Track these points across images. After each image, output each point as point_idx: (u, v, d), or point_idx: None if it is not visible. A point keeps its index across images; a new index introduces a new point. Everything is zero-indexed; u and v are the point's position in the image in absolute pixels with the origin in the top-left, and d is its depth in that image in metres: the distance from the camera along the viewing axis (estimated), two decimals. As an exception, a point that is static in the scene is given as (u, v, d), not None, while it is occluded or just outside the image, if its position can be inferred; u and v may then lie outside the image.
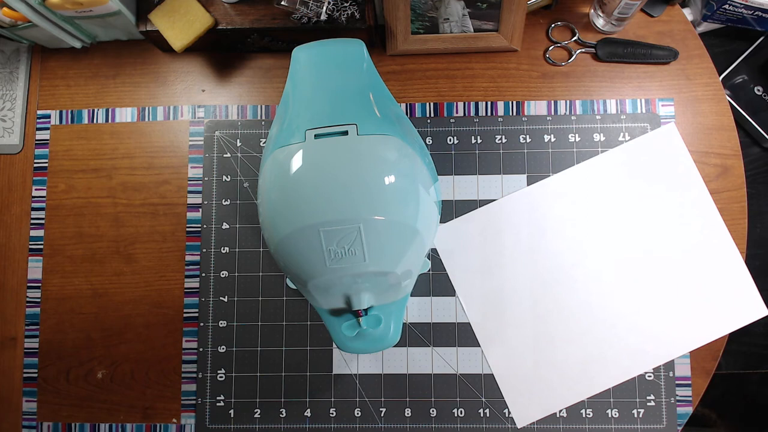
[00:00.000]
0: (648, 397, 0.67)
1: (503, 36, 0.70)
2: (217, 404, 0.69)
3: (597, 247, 0.68)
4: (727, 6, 0.73)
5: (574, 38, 0.72)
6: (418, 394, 0.68)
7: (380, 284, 0.56)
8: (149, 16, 0.67)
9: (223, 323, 0.70)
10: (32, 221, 0.72)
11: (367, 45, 0.65)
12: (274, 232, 0.55)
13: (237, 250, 0.71)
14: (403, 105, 0.72)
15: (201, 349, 0.70)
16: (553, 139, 0.71)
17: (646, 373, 0.67)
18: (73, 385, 0.70)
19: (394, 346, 0.68)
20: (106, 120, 0.74)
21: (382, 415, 0.68)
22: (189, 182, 0.72)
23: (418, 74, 0.72)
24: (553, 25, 0.72)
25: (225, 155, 0.72)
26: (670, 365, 0.67)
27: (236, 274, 0.70)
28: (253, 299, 0.70)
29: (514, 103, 0.72)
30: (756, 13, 0.73)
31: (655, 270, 0.68)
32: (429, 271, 0.69)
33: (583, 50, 0.72)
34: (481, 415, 0.67)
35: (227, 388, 0.69)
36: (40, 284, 0.72)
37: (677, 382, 0.67)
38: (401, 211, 0.54)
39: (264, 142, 0.72)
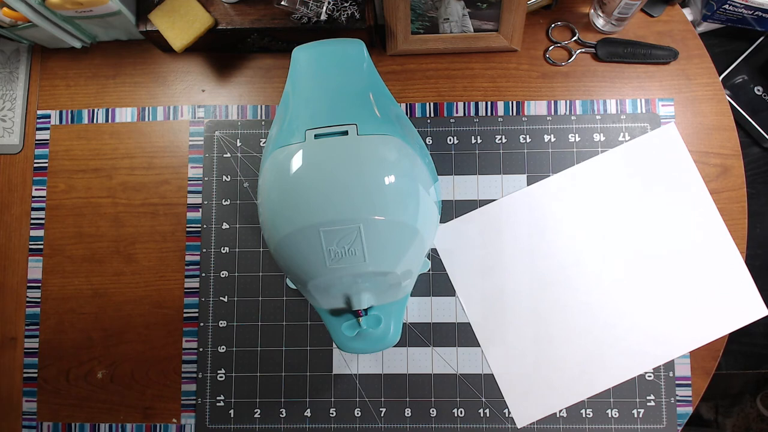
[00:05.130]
0: (648, 397, 0.67)
1: (503, 36, 0.70)
2: (217, 404, 0.69)
3: (597, 247, 0.69)
4: (727, 6, 0.73)
5: (574, 38, 0.72)
6: (418, 394, 0.68)
7: (380, 284, 0.56)
8: (149, 16, 0.67)
9: (223, 323, 0.70)
10: (32, 221, 0.72)
11: (367, 45, 0.65)
12: (274, 232, 0.55)
13: (237, 250, 0.71)
14: (403, 105, 0.72)
15: (201, 349, 0.70)
16: (553, 139, 0.71)
17: (646, 373, 0.67)
18: (73, 385, 0.70)
19: (394, 346, 0.68)
20: (106, 120, 0.74)
21: (382, 415, 0.68)
22: (189, 182, 0.72)
23: (418, 74, 0.72)
24: (553, 25, 0.72)
25: (225, 155, 0.72)
26: (670, 365, 0.67)
27: (236, 274, 0.70)
28: (253, 299, 0.70)
29: (514, 103, 0.72)
30: (756, 13, 0.73)
31: (655, 270, 0.68)
32: (429, 271, 0.69)
33: (583, 50, 0.72)
34: (481, 415, 0.67)
35: (227, 388, 0.69)
36: (40, 284, 0.72)
37: (677, 382, 0.67)
38: (401, 211, 0.54)
39: (264, 142, 0.72)
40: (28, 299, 0.72)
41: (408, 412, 0.68)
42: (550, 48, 0.72)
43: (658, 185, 0.69)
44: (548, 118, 0.71)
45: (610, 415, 0.67)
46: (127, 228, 0.72)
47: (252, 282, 0.70)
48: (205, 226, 0.71)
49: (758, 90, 0.81)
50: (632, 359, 0.67)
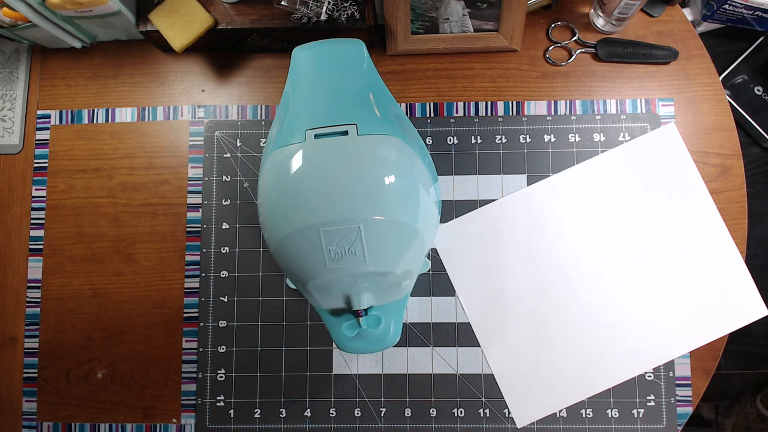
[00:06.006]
0: (648, 397, 0.67)
1: (503, 36, 0.70)
2: (217, 404, 0.69)
3: (597, 247, 0.69)
4: (727, 6, 0.73)
5: (574, 38, 0.72)
6: (418, 394, 0.68)
7: (380, 284, 0.56)
8: (149, 16, 0.67)
9: (223, 323, 0.70)
10: (32, 221, 0.72)
11: (367, 45, 0.65)
12: (274, 232, 0.55)
13: (237, 250, 0.71)
14: (403, 105, 0.72)
15: (201, 349, 0.70)
16: (553, 139, 0.71)
17: (646, 373, 0.67)
18: (73, 385, 0.70)
19: (394, 346, 0.68)
20: (106, 120, 0.74)
21: (382, 415, 0.68)
22: (189, 182, 0.72)
23: (418, 74, 0.72)
24: (553, 25, 0.72)
25: (225, 155, 0.72)
26: (670, 365, 0.67)
27: (236, 274, 0.70)
28: (253, 299, 0.70)
29: (514, 103, 0.72)
30: (756, 13, 0.73)
31: (655, 270, 0.68)
32: (429, 271, 0.69)
33: (583, 50, 0.72)
34: (481, 415, 0.67)
35: (227, 388, 0.69)
36: (40, 284, 0.72)
37: (677, 382, 0.67)
38: (401, 211, 0.54)
39: (264, 142, 0.72)
40: (28, 299, 0.72)
41: (408, 412, 0.68)
42: (550, 48, 0.72)
43: (658, 185, 0.69)
44: (548, 118, 0.71)
45: (610, 415, 0.67)
46: (127, 228, 0.72)
47: (252, 282, 0.70)
48: (205, 226, 0.71)
49: (758, 90, 0.81)
50: (632, 359, 0.67)
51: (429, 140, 0.71)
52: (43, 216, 0.72)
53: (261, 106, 0.73)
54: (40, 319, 0.71)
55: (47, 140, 0.73)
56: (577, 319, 0.68)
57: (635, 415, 0.67)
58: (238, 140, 0.72)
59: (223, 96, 0.73)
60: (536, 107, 0.71)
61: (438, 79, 0.72)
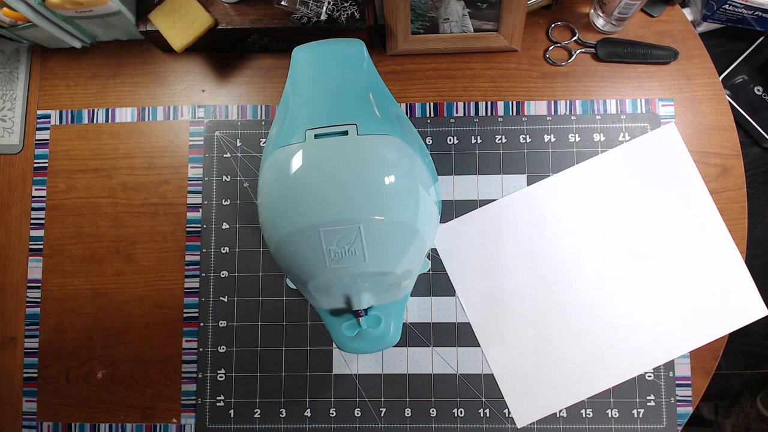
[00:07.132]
0: (648, 397, 0.67)
1: (503, 36, 0.70)
2: (217, 404, 0.69)
3: (597, 247, 0.69)
4: (727, 6, 0.73)
5: (574, 38, 0.72)
6: (418, 394, 0.68)
7: (380, 284, 0.56)
8: (149, 16, 0.67)
9: (223, 323, 0.70)
10: (32, 221, 0.72)
11: (367, 45, 0.65)
12: (274, 232, 0.55)
13: (237, 250, 0.71)
14: (403, 105, 0.72)
15: (201, 349, 0.70)
16: (553, 139, 0.71)
17: (646, 373, 0.67)
18: (73, 385, 0.70)
19: (394, 346, 0.68)
20: (106, 120, 0.74)
21: (382, 415, 0.68)
22: (189, 182, 0.72)
23: (418, 74, 0.72)
24: (553, 25, 0.72)
25: (225, 155, 0.72)
26: (670, 365, 0.67)
27: (236, 274, 0.70)
28: (253, 299, 0.70)
29: (514, 103, 0.72)
30: (756, 13, 0.73)
31: (655, 270, 0.68)
32: (429, 271, 0.69)
33: (583, 50, 0.72)
34: (481, 415, 0.67)
35: (227, 388, 0.69)
36: (40, 284, 0.72)
37: (677, 382, 0.67)
38: (401, 211, 0.54)
39: (264, 142, 0.72)
40: (28, 299, 0.72)
41: (408, 412, 0.68)
42: (550, 48, 0.72)
43: (658, 185, 0.69)
44: (548, 118, 0.71)
45: (610, 415, 0.67)
46: (127, 228, 0.72)
47: (252, 282, 0.70)
48: (205, 226, 0.71)
49: (758, 90, 0.81)
50: (632, 359, 0.67)
51: (429, 140, 0.71)
52: (43, 216, 0.72)
53: (261, 106, 0.73)
54: (40, 319, 0.71)
55: (47, 140, 0.73)
56: (577, 319, 0.68)
57: (635, 415, 0.67)
58: (238, 140, 0.72)
59: (223, 96, 0.73)
60: (536, 107, 0.71)
61: (438, 79, 0.72)
